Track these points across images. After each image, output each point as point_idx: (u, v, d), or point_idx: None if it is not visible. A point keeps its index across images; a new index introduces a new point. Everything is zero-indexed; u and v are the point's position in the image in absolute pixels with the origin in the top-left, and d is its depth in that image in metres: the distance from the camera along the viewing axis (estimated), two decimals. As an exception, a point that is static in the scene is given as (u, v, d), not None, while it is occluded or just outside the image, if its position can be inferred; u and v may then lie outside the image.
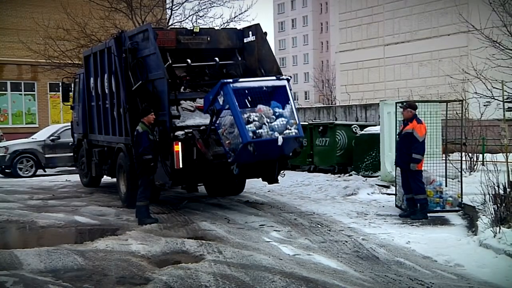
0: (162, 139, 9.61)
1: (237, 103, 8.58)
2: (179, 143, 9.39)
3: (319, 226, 8.90)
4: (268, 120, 8.68)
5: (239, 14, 20.09)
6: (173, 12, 20.61)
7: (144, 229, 8.89)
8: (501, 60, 11.51)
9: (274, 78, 9.44)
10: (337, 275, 6.29)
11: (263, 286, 5.92)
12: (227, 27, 18.57)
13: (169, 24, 20.19)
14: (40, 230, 9.47)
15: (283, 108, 8.91)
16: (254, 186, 12.88)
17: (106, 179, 13.88)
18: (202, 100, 9.88)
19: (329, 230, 8.55)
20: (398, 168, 9.90)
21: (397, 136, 9.88)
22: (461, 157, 10.55)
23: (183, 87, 10.74)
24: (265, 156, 9.05)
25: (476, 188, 8.81)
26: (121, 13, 19.74)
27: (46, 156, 17.91)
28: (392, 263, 6.76)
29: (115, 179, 11.93)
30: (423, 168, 9.44)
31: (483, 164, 13.76)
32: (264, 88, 9.03)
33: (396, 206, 10.22)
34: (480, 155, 14.91)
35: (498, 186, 8.22)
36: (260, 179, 10.97)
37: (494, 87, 11.26)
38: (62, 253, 7.44)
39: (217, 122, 8.99)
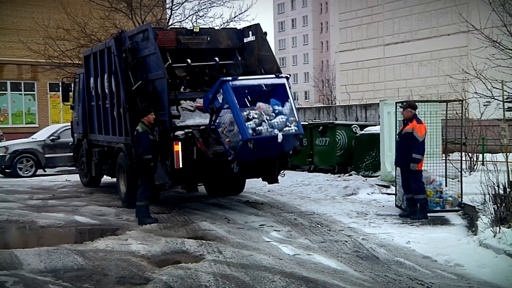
0: (162, 139, 9.62)
1: (236, 101, 8.59)
2: (179, 143, 9.40)
3: (319, 226, 8.90)
4: (268, 118, 8.69)
5: (239, 14, 20.10)
6: (173, 12, 20.63)
7: (144, 229, 8.89)
8: (501, 60, 11.50)
9: (273, 76, 9.47)
10: (337, 275, 6.29)
11: (263, 286, 5.92)
12: (227, 27, 18.56)
13: (169, 24, 20.19)
14: (40, 230, 9.47)
15: (283, 106, 8.92)
16: (254, 186, 12.88)
17: (106, 179, 13.88)
18: (202, 100, 9.88)
19: (329, 230, 8.56)
20: (398, 168, 9.90)
21: (397, 136, 9.89)
22: (461, 157, 10.56)
23: (183, 87, 10.74)
24: (265, 154, 9.05)
25: (476, 188, 8.81)
26: (121, 13, 19.74)
27: (46, 156, 17.91)
28: (392, 263, 6.76)
29: (115, 179, 11.93)
30: (423, 168, 9.44)
31: (483, 164, 13.76)
32: (263, 86, 9.04)
33: (396, 206, 10.22)
34: (480, 155, 14.91)
35: (498, 186, 8.23)
36: (260, 179, 10.97)
37: (494, 87, 11.26)
38: (62, 253, 7.44)
39: (217, 121, 8.99)
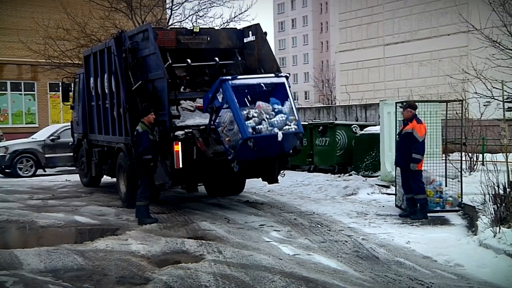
0: (162, 139, 9.62)
1: (236, 100, 8.59)
2: (179, 143, 9.40)
3: (319, 226, 8.90)
4: (268, 116, 8.70)
5: (239, 14, 20.10)
6: (173, 12, 20.62)
7: (144, 229, 8.89)
8: (501, 60, 11.50)
9: (272, 75, 9.48)
10: (337, 275, 6.29)
11: (263, 286, 5.92)
12: (227, 27, 18.56)
13: (169, 24, 20.18)
14: (40, 230, 9.47)
15: (282, 105, 8.93)
16: (254, 186, 12.88)
17: (106, 179, 13.88)
18: (202, 100, 9.88)
19: (329, 230, 8.56)
20: (398, 168, 9.90)
21: (397, 136, 9.89)
22: (461, 157, 10.56)
23: (183, 87, 10.75)
24: (265, 153, 9.05)
25: (476, 188, 8.81)
26: (121, 13, 19.74)
27: (46, 156, 17.91)
28: (392, 263, 6.76)
29: (115, 179, 11.93)
30: (423, 168, 9.44)
31: (483, 164, 13.76)
32: (263, 85, 9.05)
33: (396, 206, 10.22)
34: (480, 155, 14.91)
35: (498, 186, 8.22)
36: (260, 179, 10.97)
37: (494, 87, 11.26)
38: (62, 253, 7.44)
39: (217, 120, 9.00)
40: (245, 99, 8.85)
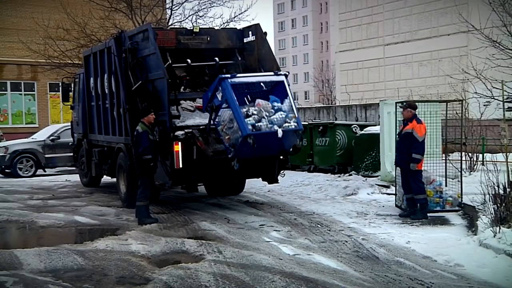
0: (162, 139, 9.62)
1: (235, 98, 8.60)
2: (179, 143, 9.40)
3: (319, 226, 8.90)
4: (267, 114, 8.70)
5: (239, 14, 20.10)
6: (173, 12, 20.63)
7: (144, 229, 8.89)
8: (501, 60, 11.50)
9: (272, 73, 9.49)
10: (337, 275, 6.29)
11: (263, 286, 5.92)
12: (227, 27, 18.56)
13: (169, 24, 20.19)
14: (40, 230, 9.47)
15: (282, 103, 8.94)
16: (254, 186, 12.88)
17: (106, 179, 13.88)
18: (202, 100, 9.88)
19: (329, 230, 8.56)
20: (398, 168, 9.90)
21: (397, 136, 9.89)
22: (461, 157, 10.56)
23: (183, 87, 10.74)
24: (265, 151, 9.05)
25: (476, 188, 8.81)
26: (121, 13, 19.74)
27: (46, 156, 17.91)
28: (392, 263, 6.76)
29: (115, 179, 11.93)
30: (423, 168, 9.44)
31: (483, 164, 13.76)
32: (262, 83, 9.06)
33: (396, 206, 10.22)
34: (480, 155, 14.91)
35: (498, 186, 8.22)
36: (260, 179, 10.97)
37: (494, 87, 11.26)
38: (62, 253, 7.44)
39: (216, 119, 9.00)
40: (245, 97, 8.85)
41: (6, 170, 18.07)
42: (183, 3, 20.49)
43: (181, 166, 9.38)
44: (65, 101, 16.11)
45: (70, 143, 16.06)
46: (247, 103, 8.82)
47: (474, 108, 14.59)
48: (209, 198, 11.91)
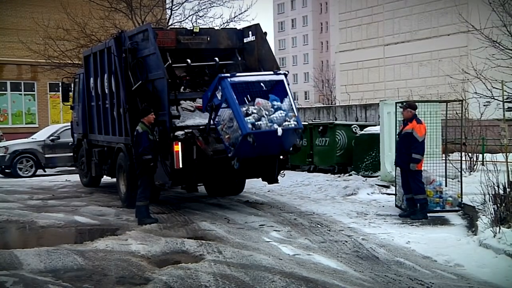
0: (162, 139, 9.62)
1: (235, 97, 8.60)
2: (179, 143, 9.40)
3: (319, 226, 8.90)
4: (267, 113, 8.70)
5: (239, 14, 20.12)
6: (173, 12, 20.63)
7: (144, 229, 8.89)
8: (501, 60, 11.50)
9: (271, 72, 9.50)
10: (337, 275, 6.29)
11: (263, 286, 5.92)
12: (227, 27, 18.57)
13: (169, 24, 20.19)
14: (40, 230, 9.47)
15: (282, 102, 8.95)
16: (254, 186, 12.88)
17: (106, 179, 13.88)
18: (202, 100, 9.88)
19: (329, 230, 8.55)
20: (398, 168, 9.90)
21: (397, 136, 9.89)
22: (461, 157, 10.56)
23: (183, 87, 10.74)
24: (265, 150, 9.05)
25: (476, 188, 8.81)
26: (121, 13, 19.74)
27: (46, 156, 17.91)
28: (392, 263, 6.76)
29: (115, 179, 11.93)
30: (423, 168, 9.44)
31: (483, 164, 13.76)
32: (262, 83, 9.06)
33: (396, 206, 10.22)
34: (480, 155, 14.91)
35: (498, 186, 8.23)
36: (260, 179, 10.97)
37: (494, 87, 11.26)
38: (62, 253, 7.44)
39: (216, 119, 9.00)
40: (244, 96, 8.86)
41: (6, 170, 18.07)
42: (183, 3, 20.52)
43: (181, 166, 9.39)
44: (65, 101, 16.11)
45: (70, 143, 16.06)
46: (247, 102, 8.83)
47: (474, 108, 14.59)
48: (209, 198, 11.91)
